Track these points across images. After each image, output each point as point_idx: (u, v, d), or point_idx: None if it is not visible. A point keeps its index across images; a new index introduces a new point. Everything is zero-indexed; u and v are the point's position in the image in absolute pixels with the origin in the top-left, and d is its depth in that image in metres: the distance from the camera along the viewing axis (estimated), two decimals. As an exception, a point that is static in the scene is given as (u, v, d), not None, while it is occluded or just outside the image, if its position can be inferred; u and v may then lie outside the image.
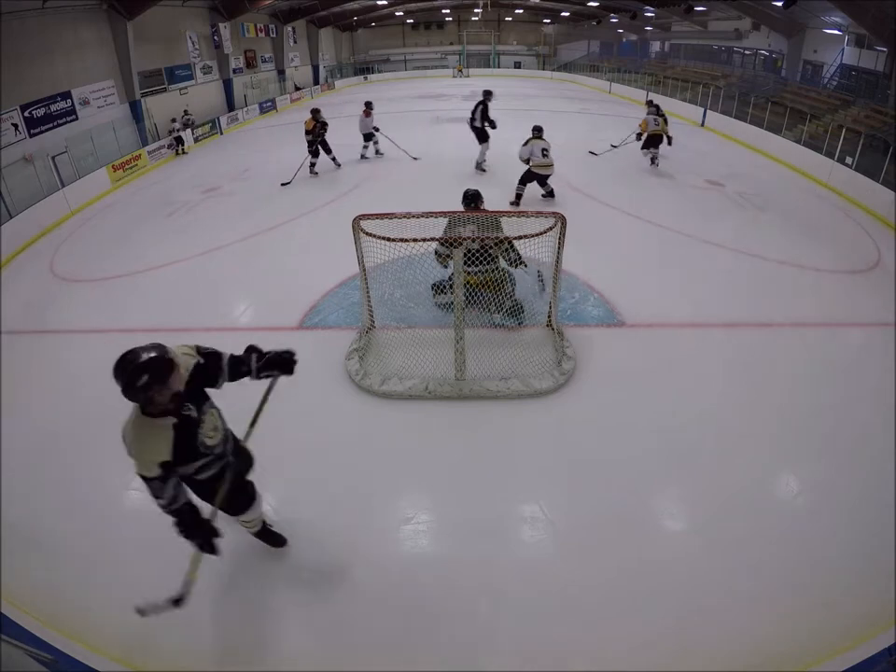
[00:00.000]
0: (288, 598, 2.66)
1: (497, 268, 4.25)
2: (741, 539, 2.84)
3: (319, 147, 9.56)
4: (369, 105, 9.93)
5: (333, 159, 9.99)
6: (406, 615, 2.58)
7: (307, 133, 9.30)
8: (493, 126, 8.84)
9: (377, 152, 10.70)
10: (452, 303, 4.05)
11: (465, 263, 3.79)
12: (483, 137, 9.00)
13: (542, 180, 7.57)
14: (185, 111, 14.95)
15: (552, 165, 7.47)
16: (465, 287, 3.99)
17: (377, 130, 10.21)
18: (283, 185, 9.30)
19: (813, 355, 4.48)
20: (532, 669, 2.39)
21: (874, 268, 6.15)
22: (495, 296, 4.32)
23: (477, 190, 4.89)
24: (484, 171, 9.28)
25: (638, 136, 9.88)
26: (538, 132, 7.43)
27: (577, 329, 4.68)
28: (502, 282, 4.26)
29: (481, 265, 4.03)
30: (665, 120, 9.54)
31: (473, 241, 3.90)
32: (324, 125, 9.39)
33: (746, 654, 2.39)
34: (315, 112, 9.33)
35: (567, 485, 3.26)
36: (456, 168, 9.33)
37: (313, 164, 9.72)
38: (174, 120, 13.69)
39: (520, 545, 2.97)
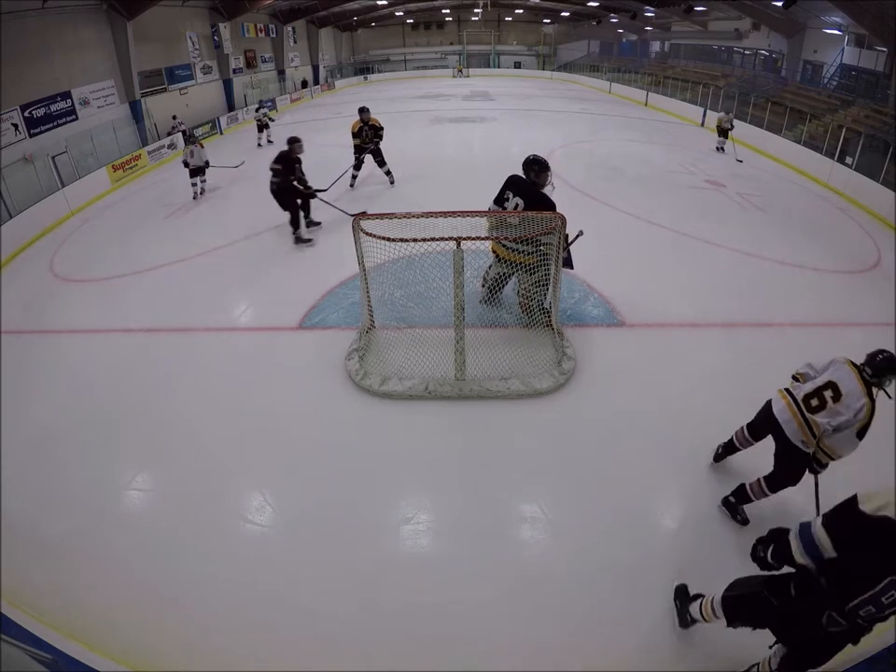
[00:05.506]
0: (287, 598, 2.65)
1: (537, 251, 4.19)
2: (740, 538, 2.83)
3: (372, 156, 8.19)
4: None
5: (388, 173, 8.50)
6: (405, 615, 2.57)
7: (354, 136, 8.04)
8: None
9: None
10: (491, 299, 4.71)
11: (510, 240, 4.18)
12: None
13: None
14: (173, 117, 14.34)
15: None
16: (505, 262, 4.44)
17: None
18: (317, 191, 7.46)
19: (813, 355, 4.46)
20: (532, 669, 2.39)
21: (874, 268, 6.16)
22: (527, 277, 4.36)
23: (535, 157, 4.41)
24: None
25: None
26: None
27: (577, 328, 4.68)
28: (538, 267, 4.21)
29: (521, 244, 4.15)
30: None
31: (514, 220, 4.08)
32: (374, 129, 7.95)
33: (746, 654, 2.38)
34: (363, 111, 7.89)
35: (567, 485, 3.26)
36: (455, 167, 9.32)
37: (354, 177, 8.49)
38: (174, 117, 13.66)
39: (520, 545, 2.97)
